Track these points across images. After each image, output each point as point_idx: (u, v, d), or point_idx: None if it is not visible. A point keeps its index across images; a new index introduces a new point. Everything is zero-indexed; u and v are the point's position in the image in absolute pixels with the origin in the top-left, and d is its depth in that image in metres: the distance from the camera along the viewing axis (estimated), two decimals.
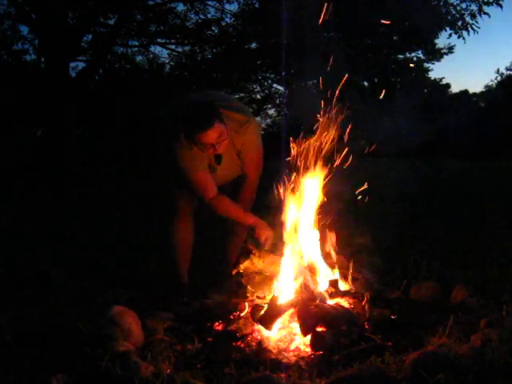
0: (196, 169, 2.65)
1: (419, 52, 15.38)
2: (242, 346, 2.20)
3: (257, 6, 11.05)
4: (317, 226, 2.77)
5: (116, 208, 6.45)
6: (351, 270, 2.85)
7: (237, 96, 14.86)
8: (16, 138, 12.88)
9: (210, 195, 2.70)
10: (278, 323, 2.30)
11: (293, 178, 2.66)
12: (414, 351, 1.93)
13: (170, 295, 2.79)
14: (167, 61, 13.21)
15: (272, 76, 13.59)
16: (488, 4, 9.45)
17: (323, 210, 2.76)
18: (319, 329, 2.21)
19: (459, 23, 9.83)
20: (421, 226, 4.77)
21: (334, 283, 2.64)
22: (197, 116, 2.49)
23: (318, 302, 2.39)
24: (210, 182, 2.70)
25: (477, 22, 9.63)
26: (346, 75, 2.64)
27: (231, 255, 3.08)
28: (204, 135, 2.46)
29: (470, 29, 9.72)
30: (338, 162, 2.70)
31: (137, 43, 12.30)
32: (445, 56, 16.68)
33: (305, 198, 2.70)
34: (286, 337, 2.25)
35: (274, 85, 14.17)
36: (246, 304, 2.53)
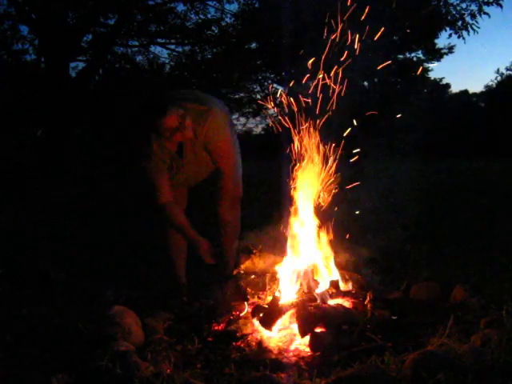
0: (156, 169, 2.67)
1: (419, 52, 15.37)
2: (242, 345, 2.20)
3: (257, 5, 11.06)
4: (318, 227, 2.78)
5: (116, 208, 6.45)
6: (352, 271, 2.86)
7: (237, 96, 14.87)
8: (16, 138, 12.87)
9: (163, 199, 2.70)
10: (279, 324, 2.30)
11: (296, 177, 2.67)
12: (413, 351, 1.93)
13: (169, 295, 2.78)
14: (167, 61, 13.22)
15: (272, 76, 13.59)
16: (488, 4, 9.46)
17: (324, 212, 2.77)
18: (319, 329, 2.21)
19: (459, 23, 9.84)
20: (421, 226, 4.77)
21: (334, 284, 2.65)
22: (151, 106, 2.53)
23: (318, 302, 2.39)
24: (166, 186, 2.71)
25: (477, 21, 9.65)
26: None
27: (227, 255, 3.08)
28: (163, 121, 2.49)
29: (469, 29, 9.73)
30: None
31: (137, 43, 12.32)
32: (445, 56, 16.67)
33: (307, 200, 2.72)
34: (286, 337, 2.25)
35: (274, 85, 14.17)
36: (246, 304, 2.53)
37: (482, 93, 28.92)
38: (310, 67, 2.70)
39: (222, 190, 2.79)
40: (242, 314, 2.47)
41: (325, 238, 2.80)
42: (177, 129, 2.53)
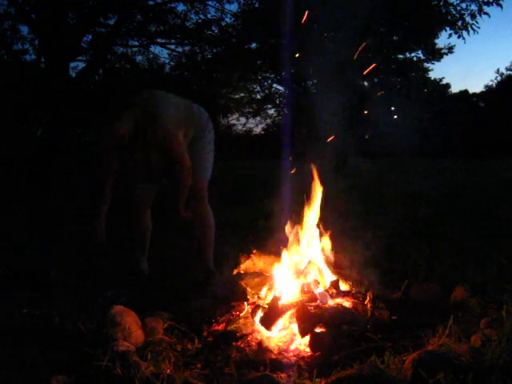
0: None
1: (419, 52, 15.38)
2: (242, 346, 2.20)
3: (257, 5, 11.07)
4: (318, 227, 2.78)
5: (116, 207, 6.44)
6: (352, 271, 2.85)
7: (237, 96, 14.89)
8: (16, 137, 12.88)
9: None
10: (279, 324, 2.30)
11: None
12: (414, 351, 1.93)
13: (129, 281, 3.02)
14: (167, 61, 13.23)
15: (272, 76, 13.62)
16: (488, 4, 9.46)
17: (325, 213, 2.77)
18: (319, 329, 2.21)
19: (459, 23, 9.84)
20: (421, 226, 4.77)
21: (334, 284, 2.65)
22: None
23: (318, 302, 2.39)
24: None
25: (477, 22, 9.65)
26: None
27: (206, 252, 3.24)
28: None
29: (469, 29, 9.73)
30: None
31: (137, 43, 12.32)
32: (445, 56, 16.67)
33: (307, 201, 2.72)
34: (286, 337, 2.24)
35: (274, 85, 14.20)
36: (246, 304, 2.53)
37: (482, 93, 28.89)
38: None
39: (179, 182, 3.03)
40: (242, 314, 2.47)
41: (325, 237, 2.80)
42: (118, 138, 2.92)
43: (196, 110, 3.24)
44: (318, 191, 2.75)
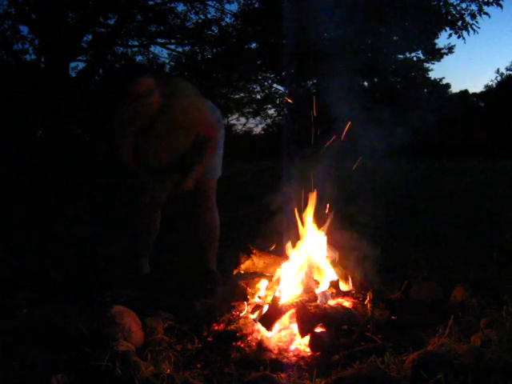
0: (123, 134, 2.89)
1: (419, 52, 15.36)
2: (242, 345, 2.20)
3: (257, 5, 11.07)
4: (319, 227, 2.78)
5: (116, 207, 6.44)
6: (352, 271, 2.86)
7: (237, 96, 14.88)
8: (16, 137, 12.88)
9: (120, 151, 2.92)
10: (279, 324, 2.30)
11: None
12: (414, 351, 1.93)
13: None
14: (167, 61, 13.23)
15: (272, 76, 13.63)
16: (488, 4, 9.45)
17: (325, 213, 2.77)
18: (319, 329, 2.21)
19: (459, 23, 9.83)
20: (421, 226, 4.77)
21: (334, 284, 2.65)
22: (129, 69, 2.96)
23: (318, 302, 2.39)
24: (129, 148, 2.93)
25: (477, 22, 9.64)
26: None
27: (209, 252, 3.20)
28: (134, 84, 2.65)
29: (469, 29, 9.72)
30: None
31: (137, 43, 12.33)
32: (445, 56, 16.66)
33: (308, 201, 2.73)
34: (286, 337, 2.24)
35: (274, 85, 14.19)
36: (246, 304, 2.53)
37: (482, 93, 28.86)
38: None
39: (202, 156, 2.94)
40: (242, 314, 2.47)
41: (325, 237, 2.80)
42: (144, 95, 2.67)
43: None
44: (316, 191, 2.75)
